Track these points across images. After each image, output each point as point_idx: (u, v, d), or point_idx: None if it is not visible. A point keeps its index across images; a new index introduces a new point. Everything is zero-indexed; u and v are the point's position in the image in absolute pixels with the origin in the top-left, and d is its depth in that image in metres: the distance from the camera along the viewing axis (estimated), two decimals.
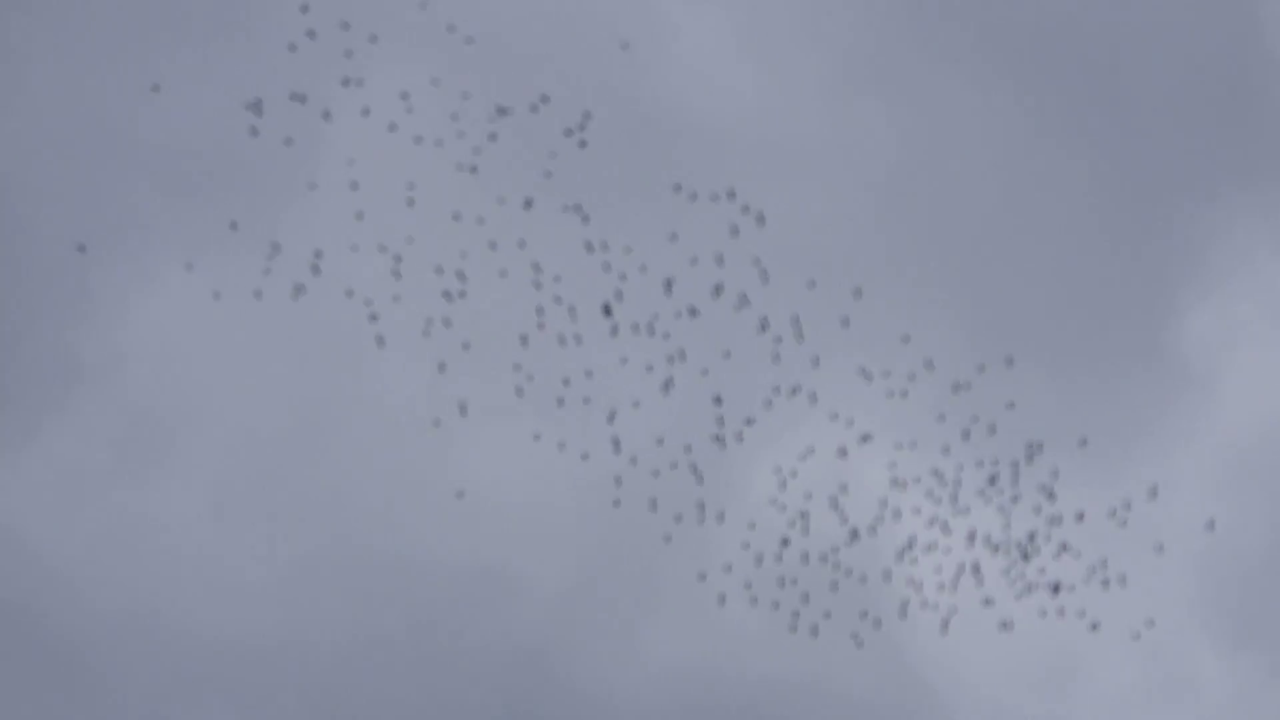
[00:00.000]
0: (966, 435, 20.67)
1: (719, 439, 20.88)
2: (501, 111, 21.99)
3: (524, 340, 21.45)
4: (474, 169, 21.98)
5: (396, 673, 21.01)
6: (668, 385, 21.00)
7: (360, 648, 21.02)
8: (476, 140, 21.95)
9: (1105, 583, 20.39)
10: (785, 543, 20.70)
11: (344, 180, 21.86)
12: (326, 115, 22.00)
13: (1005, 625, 20.32)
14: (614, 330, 21.29)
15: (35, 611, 20.88)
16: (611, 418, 21.10)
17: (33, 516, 21.10)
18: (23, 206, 21.90)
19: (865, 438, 20.79)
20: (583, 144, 21.87)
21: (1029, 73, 22.11)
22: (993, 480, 20.64)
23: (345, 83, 21.71)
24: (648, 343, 21.17)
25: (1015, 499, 20.53)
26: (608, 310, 21.20)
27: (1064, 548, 20.46)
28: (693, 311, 21.09)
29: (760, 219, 20.93)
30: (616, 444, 21.04)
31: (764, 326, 20.88)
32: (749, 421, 20.91)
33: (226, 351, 21.68)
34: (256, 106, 22.15)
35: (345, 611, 21.12)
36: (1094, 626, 20.32)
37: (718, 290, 20.94)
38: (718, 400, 20.98)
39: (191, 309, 21.73)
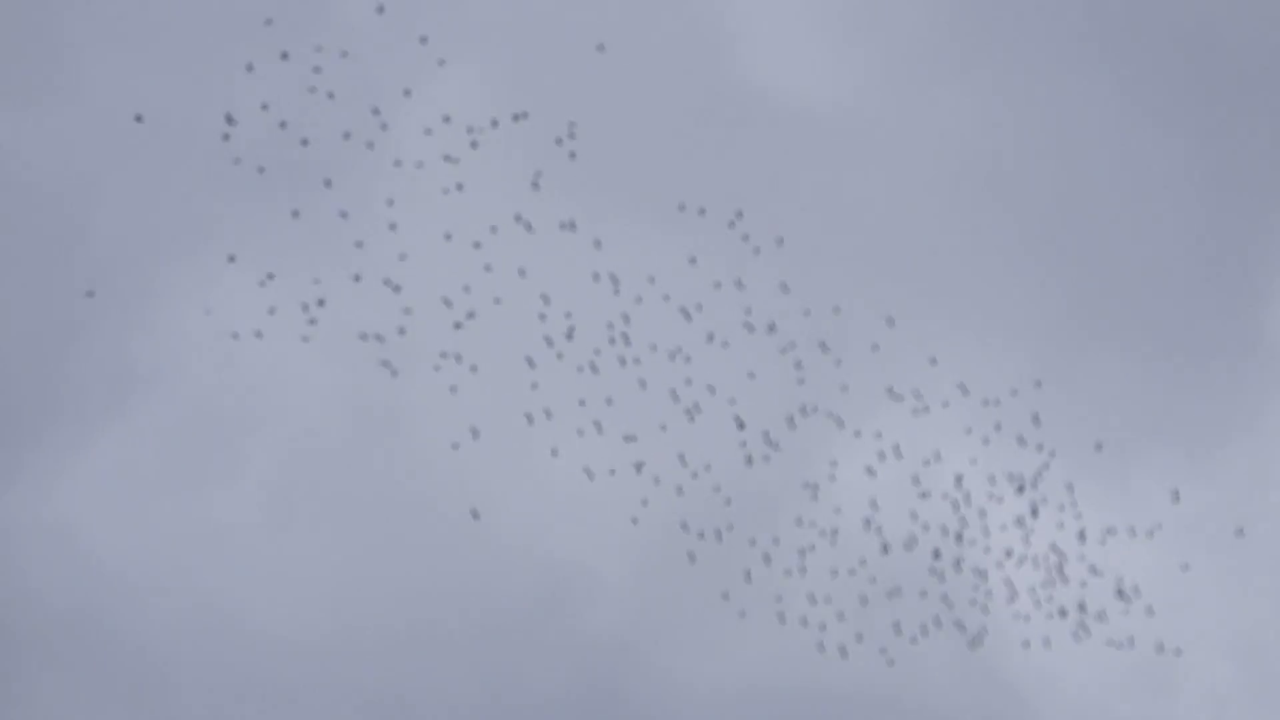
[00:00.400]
0: (1023, 442, 20.05)
1: (747, 460, 20.34)
2: (494, 124, 21.50)
3: (531, 363, 20.99)
4: (460, 187, 21.52)
5: (454, 671, 20.57)
6: (693, 412, 20.46)
7: (425, 646, 20.57)
8: (461, 154, 21.53)
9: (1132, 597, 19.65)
10: (809, 549, 20.08)
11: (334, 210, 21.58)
12: (304, 142, 21.62)
13: (1041, 643, 19.59)
14: (624, 361, 20.82)
15: (93, 617, 20.51)
16: (630, 440, 20.61)
17: (89, 522, 20.75)
18: (76, 211, 21.52)
19: (895, 452, 20.19)
20: (572, 155, 21.37)
21: (1107, 60, 21.18)
22: (1022, 486, 20.00)
23: (311, 89, 21.42)
24: (668, 367, 20.70)
25: (1055, 508, 19.89)
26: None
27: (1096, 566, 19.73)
28: (712, 338, 20.58)
29: (779, 242, 20.36)
30: (639, 467, 20.53)
31: (786, 350, 20.28)
32: (774, 443, 20.33)
33: (282, 355, 21.37)
34: (229, 120, 21.84)
35: (409, 608, 20.80)
36: (1120, 646, 19.55)
37: (747, 312, 20.32)
38: (740, 423, 20.43)
39: (246, 312, 21.41)
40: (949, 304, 20.18)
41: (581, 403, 20.76)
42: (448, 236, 21.67)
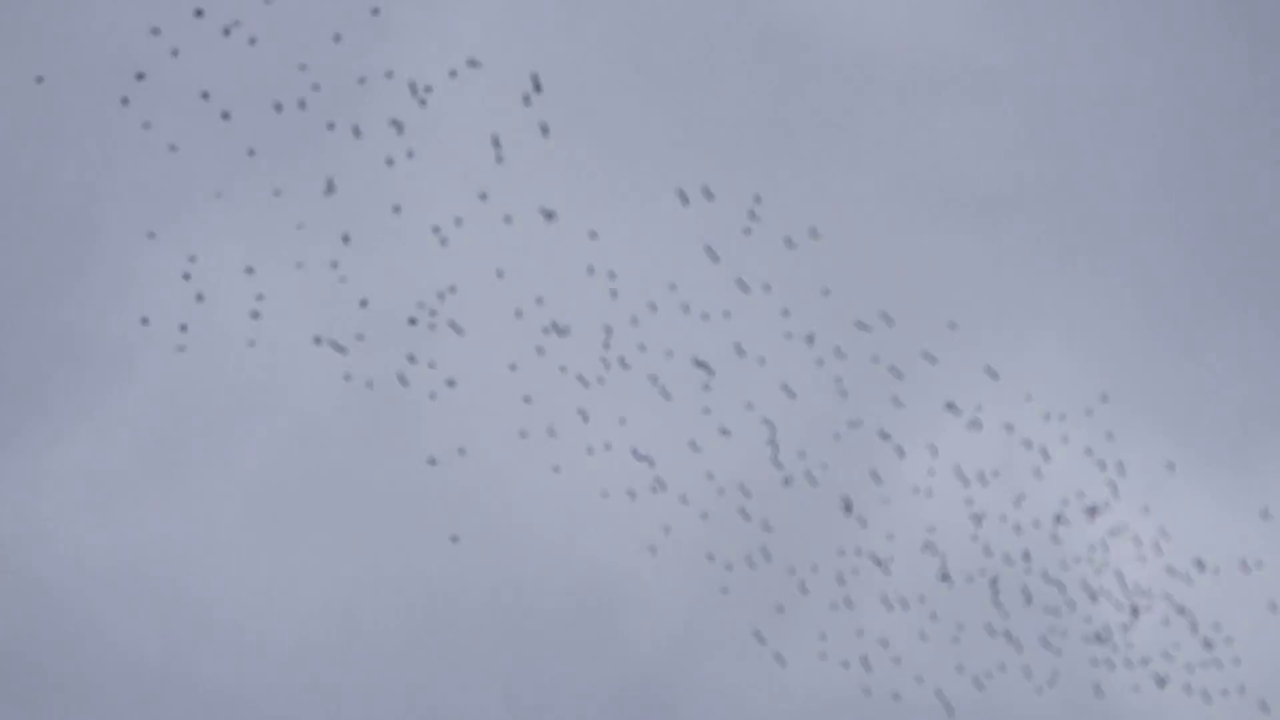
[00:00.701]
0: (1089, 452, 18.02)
1: (787, 481, 17.99)
2: (473, 64, 18.51)
3: (513, 369, 18.33)
4: (411, 155, 18.59)
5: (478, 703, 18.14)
6: (725, 432, 17.97)
7: (440, 675, 18.12)
8: (408, 117, 18.55)
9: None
10: (855, 579, 17.97)
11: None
12: (225, 116, 18.59)
13: (1126, 689, 17.78)
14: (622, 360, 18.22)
15: (51, 639, 17.94)
16: (649, 461, 18.11)
17: (49, 529, 18.08)
18: (38, 173, 18.25)
19: (956, 473, 18.02)
20: (545, 130, 18.49)
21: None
22: (1094, 509, 18.06)
23: (227, 34, 18.05)
24: (689, 376, 18.10)
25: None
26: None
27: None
28: (742, 350, 17.98)
29: (813, 234, 17.60)
30: (659, 485, 18.11)
31: (822, 361, 17.77)
32: (815, 461, 17.98)
33: (275, 337, 18.37)
34: (138, 78, 18.76)
35: (421, 635, 18.32)
36: (1207, 697, 17.87)
37: (785, 314, 17.66)
38: (773, 442, 18.01)
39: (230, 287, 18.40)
40: (1013, 306, 17.82)
41: (585, 417, 18.15)
42: (396, 209, 18.69)
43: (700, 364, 17.80)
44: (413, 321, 18.58)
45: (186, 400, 18.65)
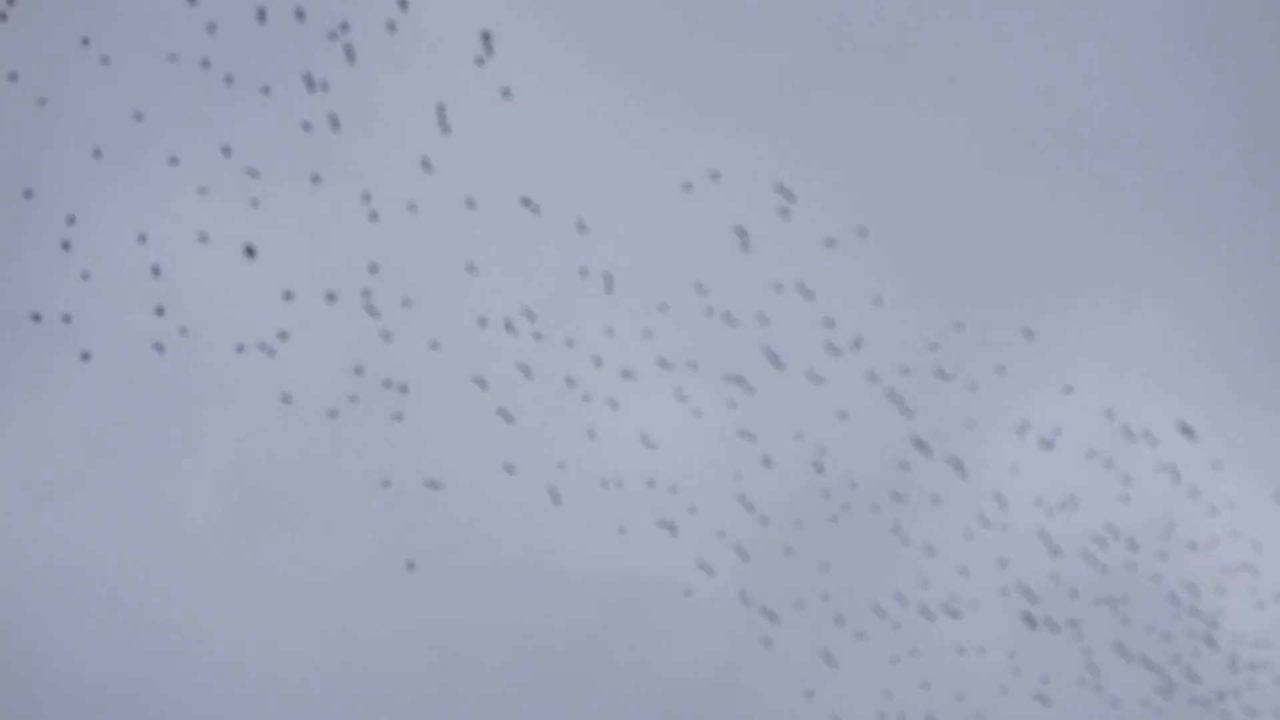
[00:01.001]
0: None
1: (833, 518, 15.07)
2: (390, 28, 14.83)
3: (483, 384, 15.22)
4: (336, 121, 15.09)
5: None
6: (768, 461, 14.89)
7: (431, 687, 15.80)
8: (333, 75, 14.97)
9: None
10: (923, 622, 15.33)
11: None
12: (104, 59, 15.13)
13: None
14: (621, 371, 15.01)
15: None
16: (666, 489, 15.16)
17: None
18: None
19: (1039, 503, 15.14)
20: (507, 93, 14.85)
21: None
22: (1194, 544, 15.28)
23: None
24: (727, 392, 14.88)
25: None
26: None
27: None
28: (775, 359, 14.66)
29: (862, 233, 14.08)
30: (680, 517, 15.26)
31: (875, 378, 14.53)
32: (882, 491, 15.04)
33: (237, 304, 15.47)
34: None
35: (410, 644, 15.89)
36: None
37: (829, 322, 14.36)
38: (819, 466, 14.94)
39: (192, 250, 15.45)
40: (1095, 312, 14.56)
41: (592, 436, 15.03)
42: (315, 179, 15.24)
43: (733, 378, 14.64)
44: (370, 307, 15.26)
45: (119, 401, 16.09)
